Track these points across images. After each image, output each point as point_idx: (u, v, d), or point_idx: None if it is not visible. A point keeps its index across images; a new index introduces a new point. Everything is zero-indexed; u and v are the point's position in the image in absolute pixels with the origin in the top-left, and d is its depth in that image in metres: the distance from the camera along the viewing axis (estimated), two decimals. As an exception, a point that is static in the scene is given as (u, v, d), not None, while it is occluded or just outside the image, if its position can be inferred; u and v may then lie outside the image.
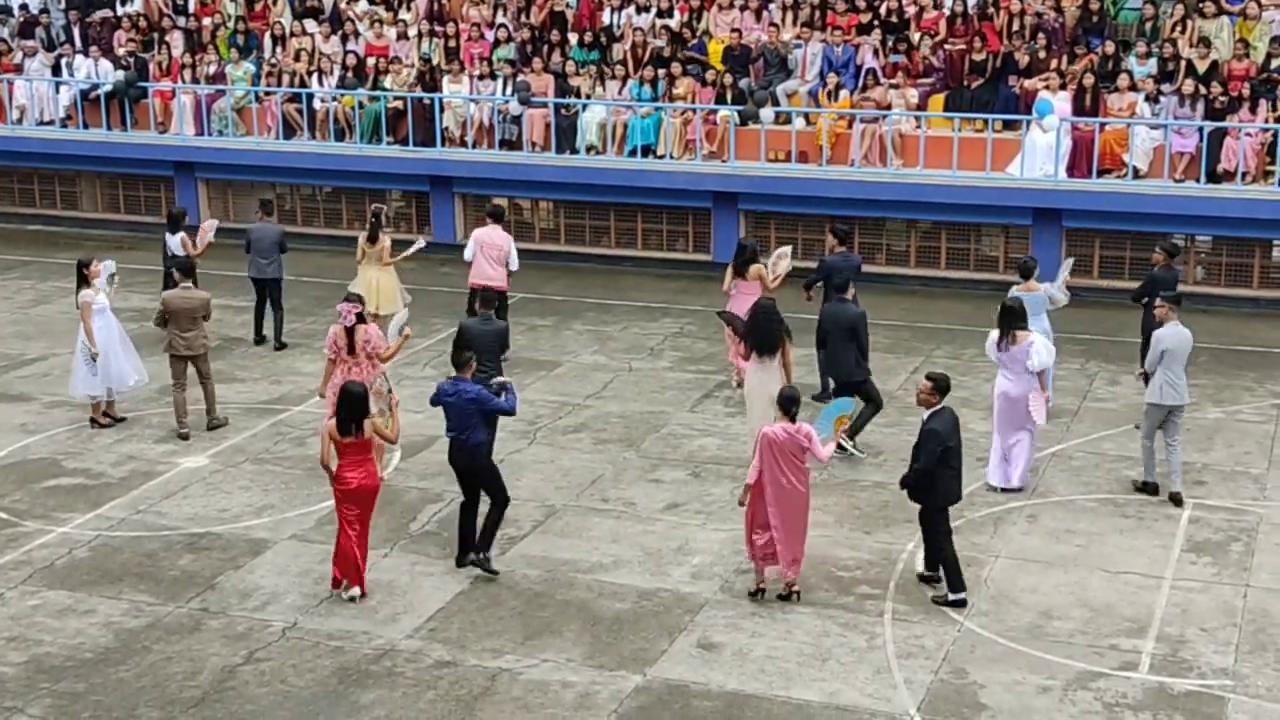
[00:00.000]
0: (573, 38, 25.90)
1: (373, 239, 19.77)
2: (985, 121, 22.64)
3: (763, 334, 15.24)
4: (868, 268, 23.29)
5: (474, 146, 25.07)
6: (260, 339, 20.50)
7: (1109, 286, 22.12)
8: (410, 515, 14.53)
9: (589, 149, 24.50)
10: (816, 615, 12.52)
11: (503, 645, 12.07)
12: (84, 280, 16.88)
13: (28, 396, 18.24)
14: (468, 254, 19.29)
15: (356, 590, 12.87)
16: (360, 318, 15.35)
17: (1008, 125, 22.78)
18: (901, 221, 23.79)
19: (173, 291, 17.05)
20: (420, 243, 20.41)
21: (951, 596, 12.59)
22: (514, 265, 19.20)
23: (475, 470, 13.26)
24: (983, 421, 16.49)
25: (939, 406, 12.62)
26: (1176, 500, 14.72)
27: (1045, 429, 16.71)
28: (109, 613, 12.70)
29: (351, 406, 12.60)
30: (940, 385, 12.68)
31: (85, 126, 27.38)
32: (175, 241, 20.28)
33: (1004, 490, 14.99)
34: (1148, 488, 14.91)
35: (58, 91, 27.66)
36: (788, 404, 12.55)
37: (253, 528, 14.37)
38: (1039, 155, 22.17)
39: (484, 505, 13.35)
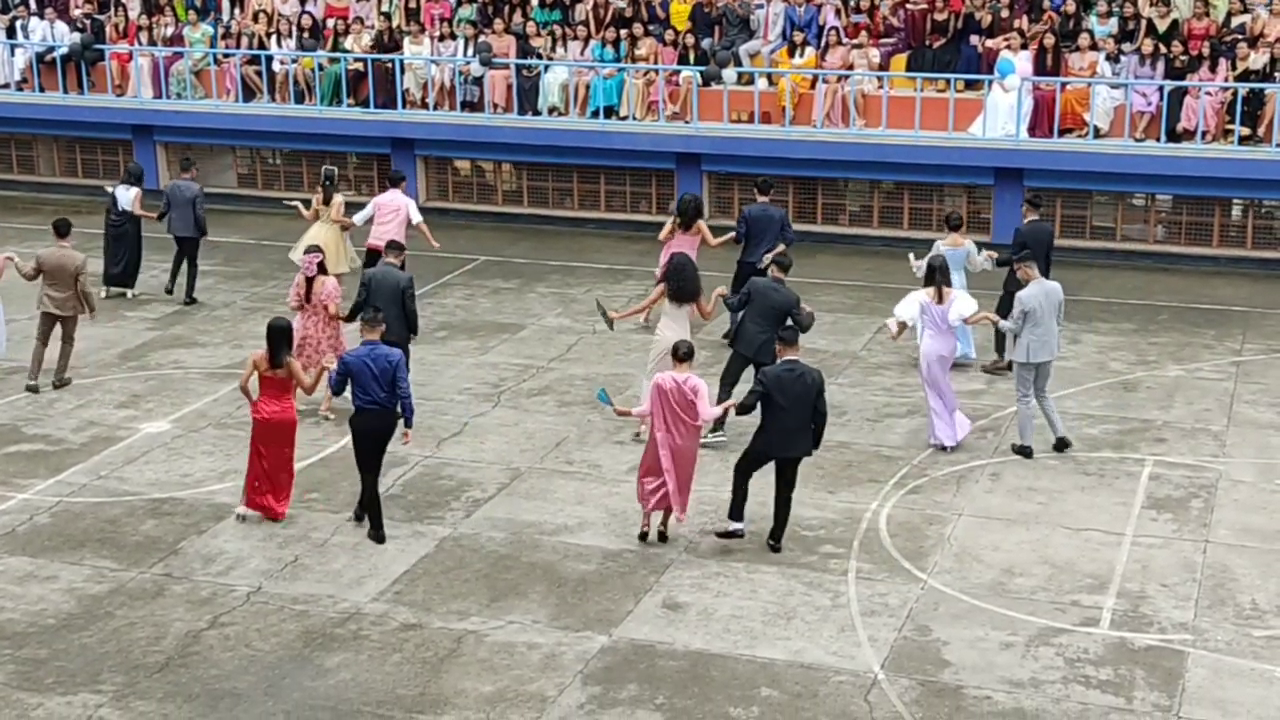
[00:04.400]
0: (534, -2, 25.76)
1: (326, 200, 19.88)
2: (947, 81, 22.66)
3: (686, 281, 15.19)
4: (832, 228, 23.42)
5: (435, 108, 24.93)
6: (170, 289, 20.62)
7: (1070, 246, 22.19)
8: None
9: (551, 110, 24.39)
10: (781, 574, 12.57)
11: (468, 607, 12.08)
12: None
13: (-14, 362, 18.10)
14: (362, 217, 19.51)
15: (244, 509, 13.60)
16: (322, 268, 15.71)
17: (970, 85, 22.80)
18: (864, 182, 23.82)
19: (49, 249, 17.03)
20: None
21: (732, 527, 12.90)
22: (415, 219, 19.22)
23: (385, 434, 13.21)
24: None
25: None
26: (1062, 446, 14.92)
27: (1007, 388, 16.81)
28: (71, 579, 12.64)
29: (273, 340, 13.29)
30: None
31: (41, 89, 27.07)
32: (128, 196, 20.40)
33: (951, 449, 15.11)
34: (1024, 451, 14.93)
35: (13, 54, 27.32)
36: (683, 352, 12.82)
37: (216, 492, 14.31)
38: (1001, 115, 22.20)
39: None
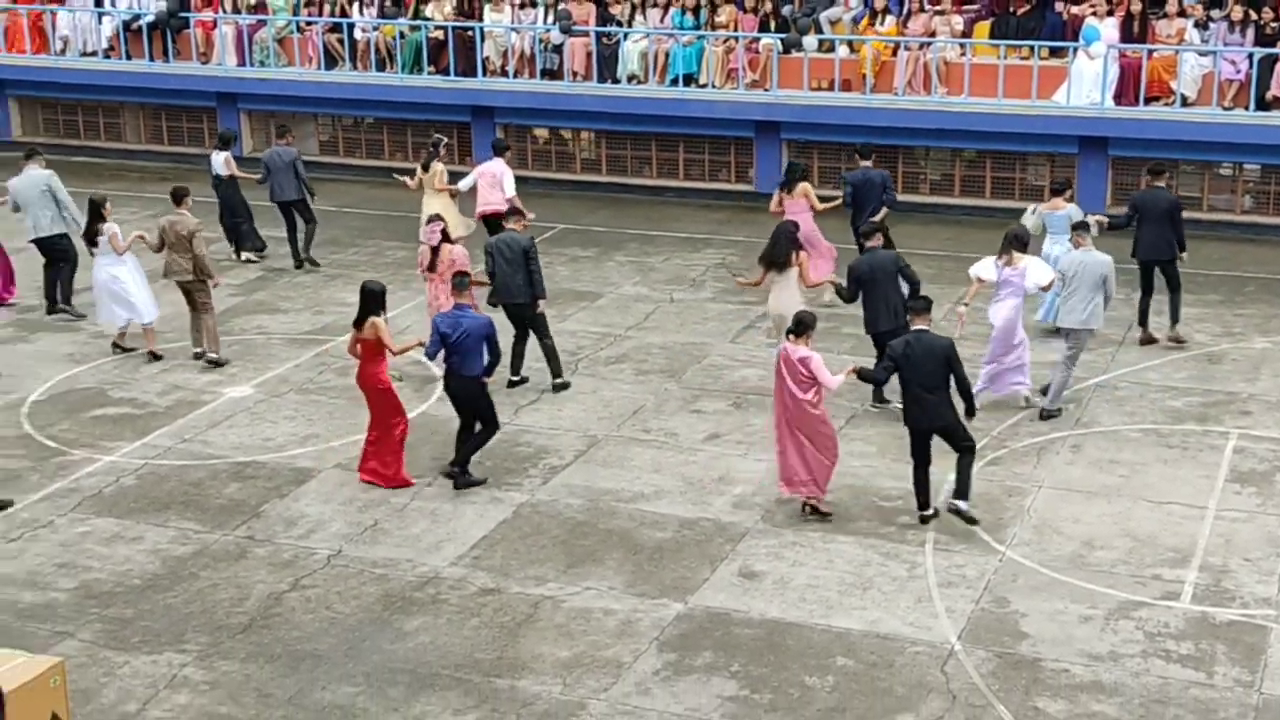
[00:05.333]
0: (614, -35, 25.68)
1: (425, 167, 20.07)
2: (1031, 49, 22.35)
3: (771, 248, 15.40)
4: (913, 197, 23.20)
5: (515, 76, 24.96)
6: (300, 264, 20.85)
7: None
8: (452, 444, 14.58)
9: (630, 78, 24.35)
10: (858, 544, 12.54)
11: (545, 573, 12.16)
12: (101, 216, 17.35)
13: (74, 327, 18.40)
14: (466, 184, 19.84)
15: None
16: (445, 236, 15.92)
17: (1054, 53, 22.47)
18: (946, 150, 23.60)
19: (167, 217, 17.26)
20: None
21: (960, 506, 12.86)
22: (509, 192, 19.27)
23: (475, 398, 13.70)
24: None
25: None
26: (1044, 416, 15.05)
27: (1089, 360, 16.63)
28: (156, 540, 12.86)
29: (361, 301, 13.49)
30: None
31: (128, 57, 27.38)
32: (219, 160, 20.96)
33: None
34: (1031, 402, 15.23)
35: (100, 22, 27.67)
36: (796, 325, 12.81)
37: (297, 457, 14.49)
38: (1086, 83, 21.90)
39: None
